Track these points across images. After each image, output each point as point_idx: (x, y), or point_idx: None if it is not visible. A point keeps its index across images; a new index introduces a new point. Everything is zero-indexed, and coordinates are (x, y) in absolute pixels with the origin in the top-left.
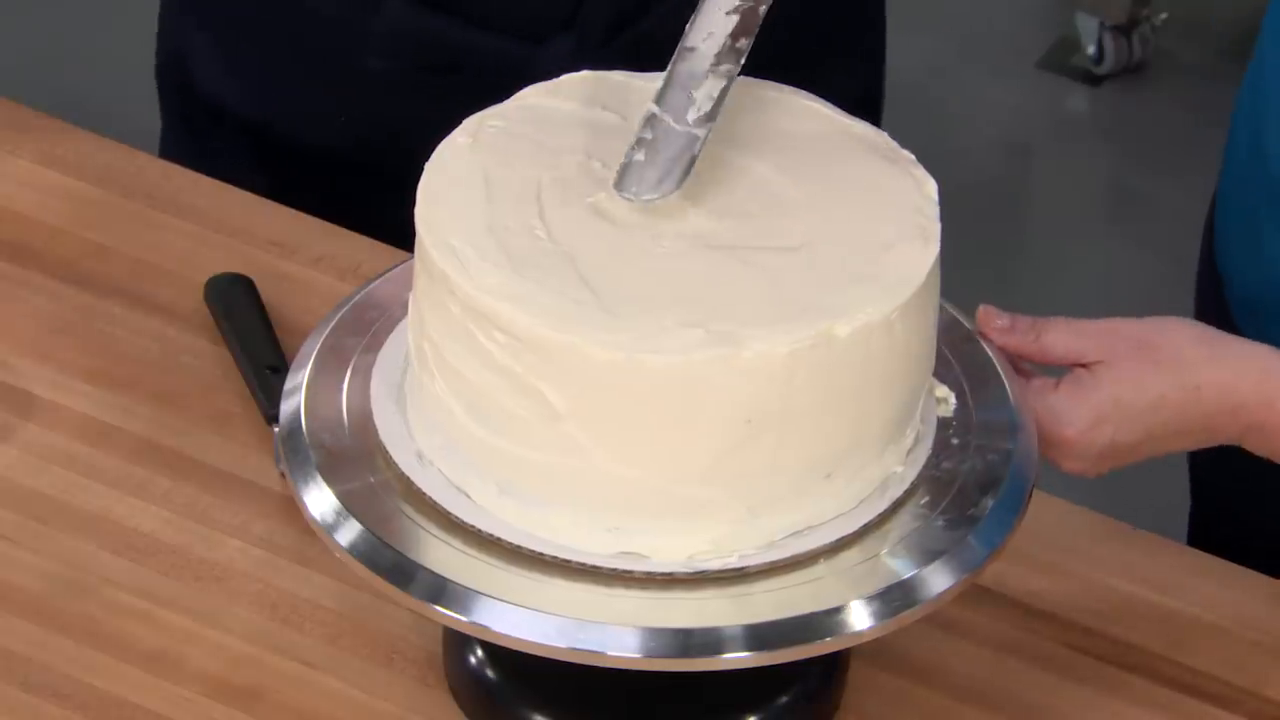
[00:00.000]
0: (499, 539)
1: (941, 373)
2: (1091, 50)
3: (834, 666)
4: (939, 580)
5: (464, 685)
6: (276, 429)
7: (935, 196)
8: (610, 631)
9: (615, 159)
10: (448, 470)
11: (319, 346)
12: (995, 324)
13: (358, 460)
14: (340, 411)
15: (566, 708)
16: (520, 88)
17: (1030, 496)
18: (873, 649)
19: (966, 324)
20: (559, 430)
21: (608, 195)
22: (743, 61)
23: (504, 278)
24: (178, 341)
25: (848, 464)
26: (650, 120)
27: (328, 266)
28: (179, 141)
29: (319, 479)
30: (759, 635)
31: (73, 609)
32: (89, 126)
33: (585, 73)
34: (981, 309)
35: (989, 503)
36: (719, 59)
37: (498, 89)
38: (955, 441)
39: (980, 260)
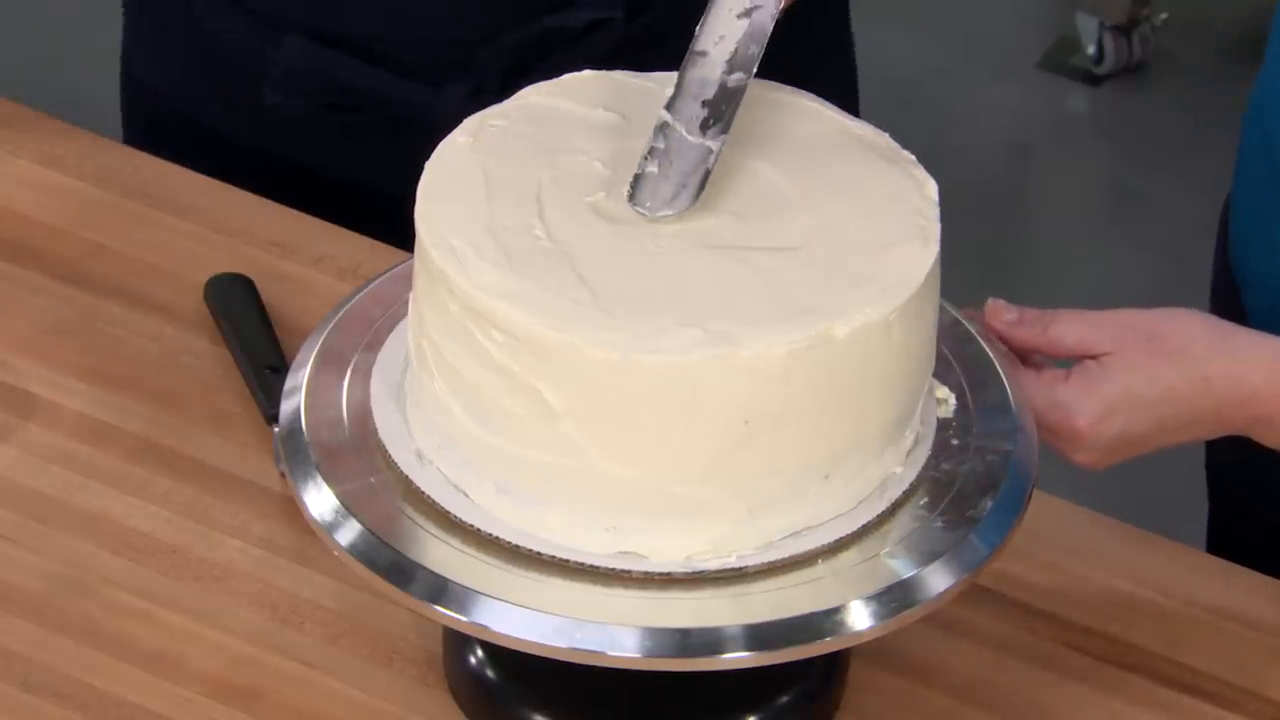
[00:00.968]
0: (497, 538)
1: (942, 374)
2: (1091, 50)
3: (834, 666)
4: (939, 580)
5: (464, 685)
6: (276, 429)
7: (935, 197)
8: (610, 631)
9: (615, 159)
10: (446, 469)
11: (319, 346)
12: (1004, 318)
13: (358, 460)
14: (340, 411)
15: (566, 708)
16: (419, 130)
17: (1030, 496)
18: (873, 649)
19: (967, 325)
20: (556, 429)
21: (607, 195)
22: (754, 70)
23: (502, 276)
24: (177, 341)
25: (846, 465)
26: (662, 129)
27: (328, 266)
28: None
29: (319, 479)
30: (759, 635)
31: (73, 609)
32: (89, 126)
33: (587, 72)
34: (990, 302)
35: (989, 503)
36: (731, 66)
37: (395, 129)
38: (955, 442)
39: (980, 260)
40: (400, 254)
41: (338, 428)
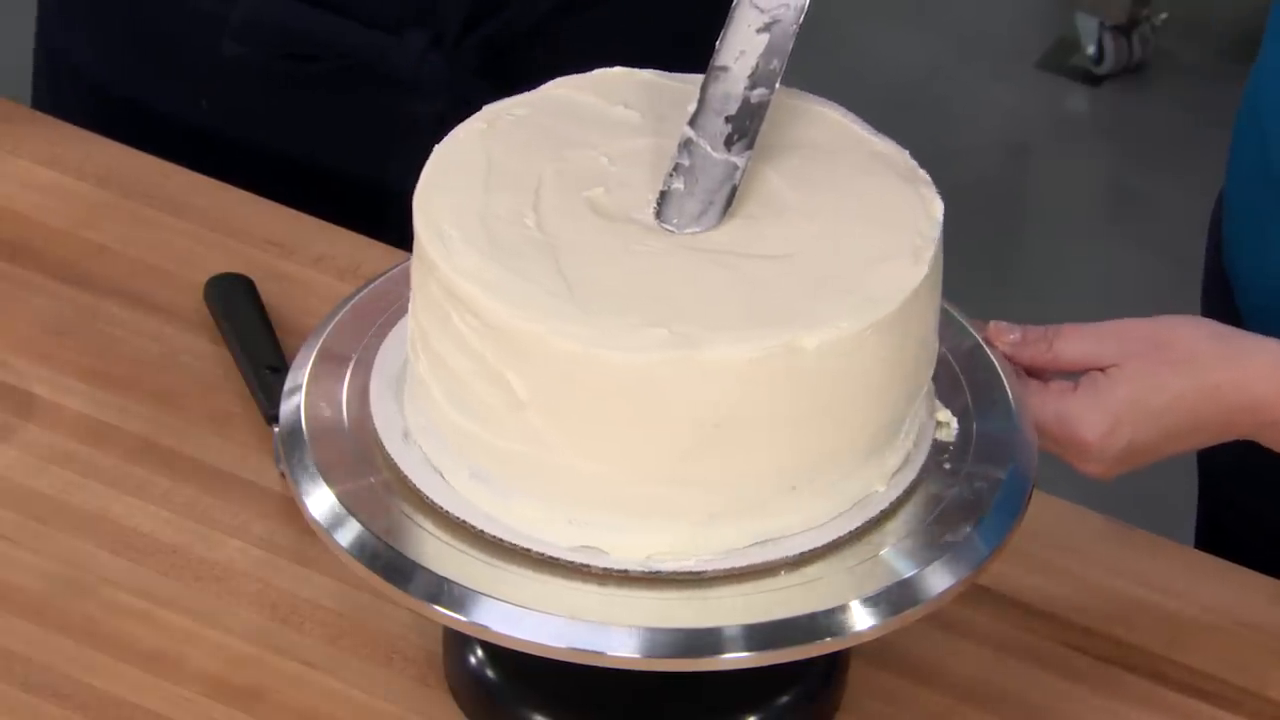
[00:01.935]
0: (465, 521)
1: (949, 396)
2: (1091, 50)
3: (834, 666)
4: (939, 580)
5: (464, 685)
6: (276, 429)
7: (939, 218)
8: (610, 632)
9: (624, 156)
10: (428, 450)
11: (319, 346)
12: (1006, 339)
13: (358, 460)
14: (340, 411)
15: (566, 708)
16: (379, 83)
17: (1030, 497)
18: (873, 649)
19: (976, 335)
20: (522, 418)
21: (605, 190)
22: (777, 85)
23: (481, 262)
24: (177, 341)
25: (815, 478)
26: (687, 145)
27: (328, 266)
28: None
29: (319, 479)
30: (759, 635)
31: (72, 609)
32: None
33: (618, 69)
34: (992, 325)
35: (988, 503)
36: (753, 81)
37: (354, 79)
38: (948, 466)
39: (980, 260)
40: (400, 254)
41: (338, 428)
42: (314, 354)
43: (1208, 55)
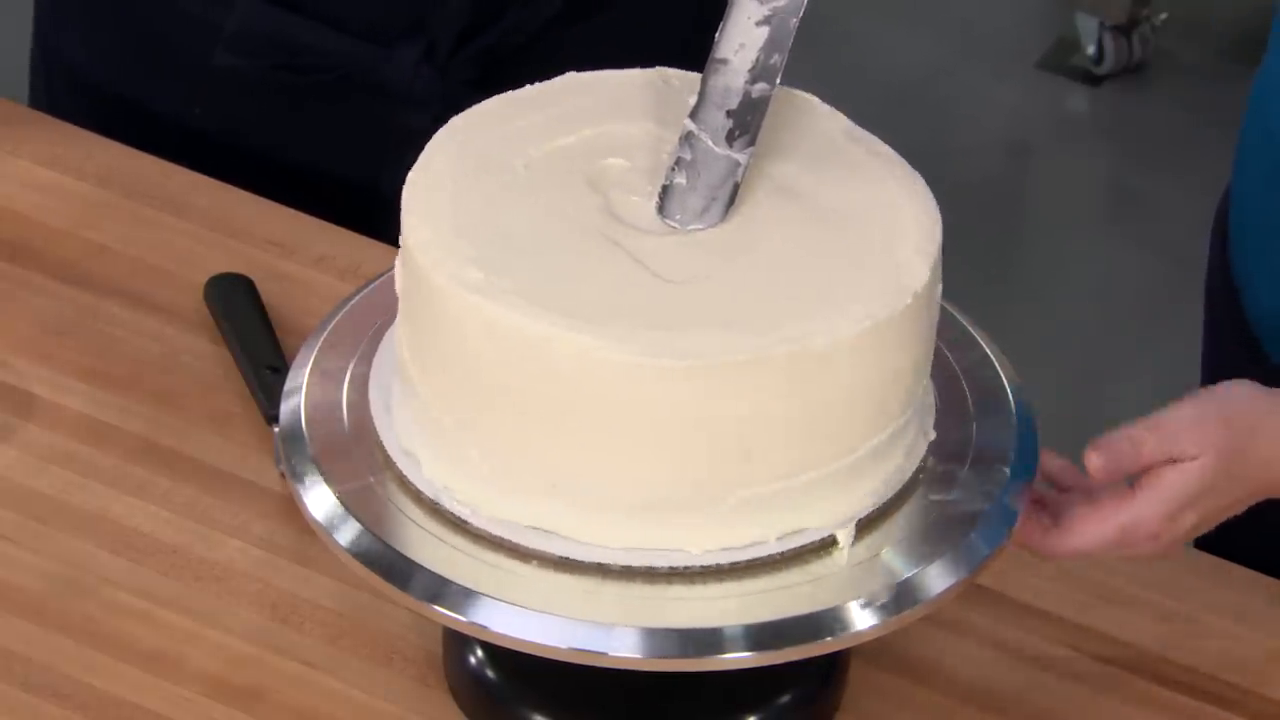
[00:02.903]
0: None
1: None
2: (1091, 50)
3: (834, 666)
4: (939, 580)
5: (464, 685)
6: (276, 429)
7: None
8: (610, 631)
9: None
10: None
11: (319, 346)
12: (1099, 465)
13: (358, 460)
14: (340, 411)
15: (566, 708)
16: (370, 93)
17: (1030, 497)
18: (873, 649)
19: (977, 335)
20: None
21: (604, 185)
22: (778, 80)
23: (474, 263)
24: (177, 341)
25: (814, 477)
26: (688, 139)
27: (328, 266)
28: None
29: (319, 479)
30: (759, 635)
31: (73, 609)
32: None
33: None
34: (1089, 456)
35: (988, 504)
36: (754, 76)
37: (347, 90)
38: (934, 497)
39: (980, 260)
40: None
41: (338, 428)
42: (314, 354)
43: (1208, 55)
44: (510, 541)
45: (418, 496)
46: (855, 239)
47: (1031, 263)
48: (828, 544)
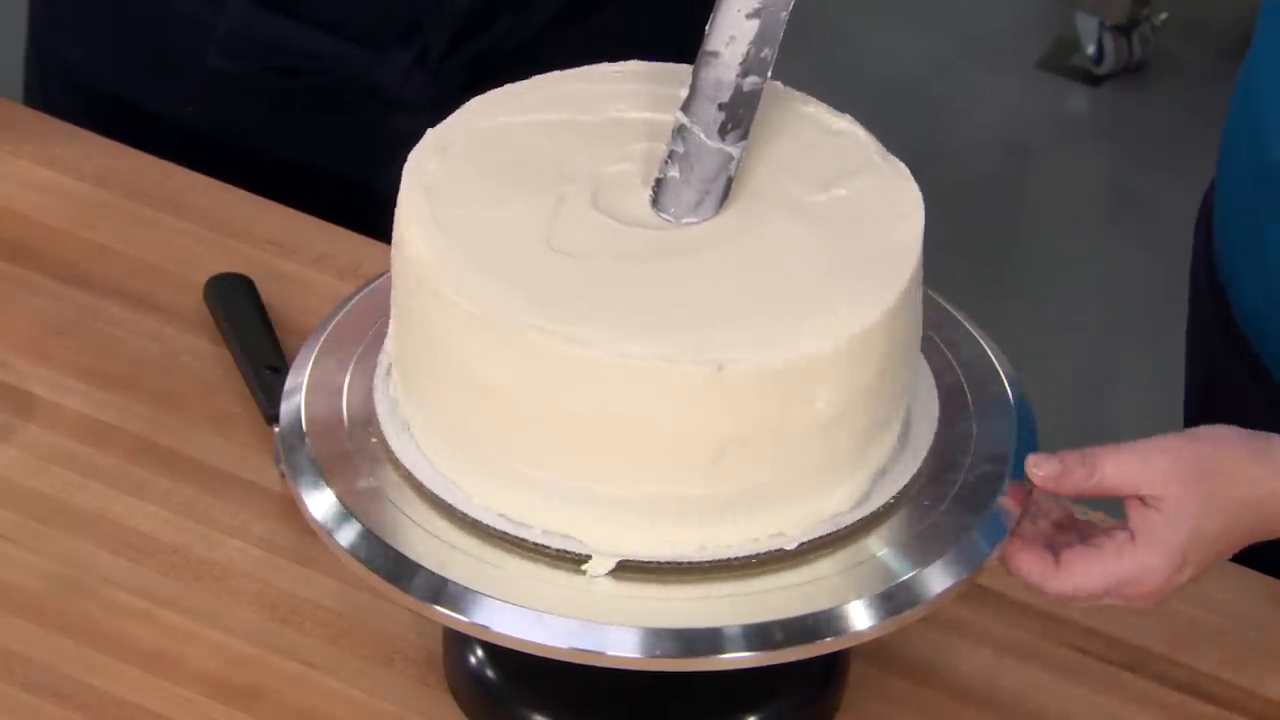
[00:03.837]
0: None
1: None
2: (1091, 50)
3: (834, 666)
4: (939, 580)
5: (464, 685)
6: (276, 429)
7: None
8: (610, 631)
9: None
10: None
11: (319, 346)
12: (1044, 472)
13: (358, 460)
14: (340, 411)
15: (566, 708)
16: (362, 96)
17: (1030, 497)
18: (873, 649)
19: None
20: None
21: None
22: (769, 74)
23: (437, 234)
24: (177, 341)
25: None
26: (680, 132)
27: (328, 266)
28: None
29: (319, 479)
30: (759, 635)
31: (73, 609)
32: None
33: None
34: (1028, 460)
35: (988, 503)
36: (745, 69)
37: (339, 93)
38: (926, 503)
39: (980, 260)
40: None
41: (338, 428)
42: (314, 354)
43: (1208, 55)
44: (510, 541)
45: (419, 495)
46: (839, 235)
47: (1031, 263)
48: (828, 544)
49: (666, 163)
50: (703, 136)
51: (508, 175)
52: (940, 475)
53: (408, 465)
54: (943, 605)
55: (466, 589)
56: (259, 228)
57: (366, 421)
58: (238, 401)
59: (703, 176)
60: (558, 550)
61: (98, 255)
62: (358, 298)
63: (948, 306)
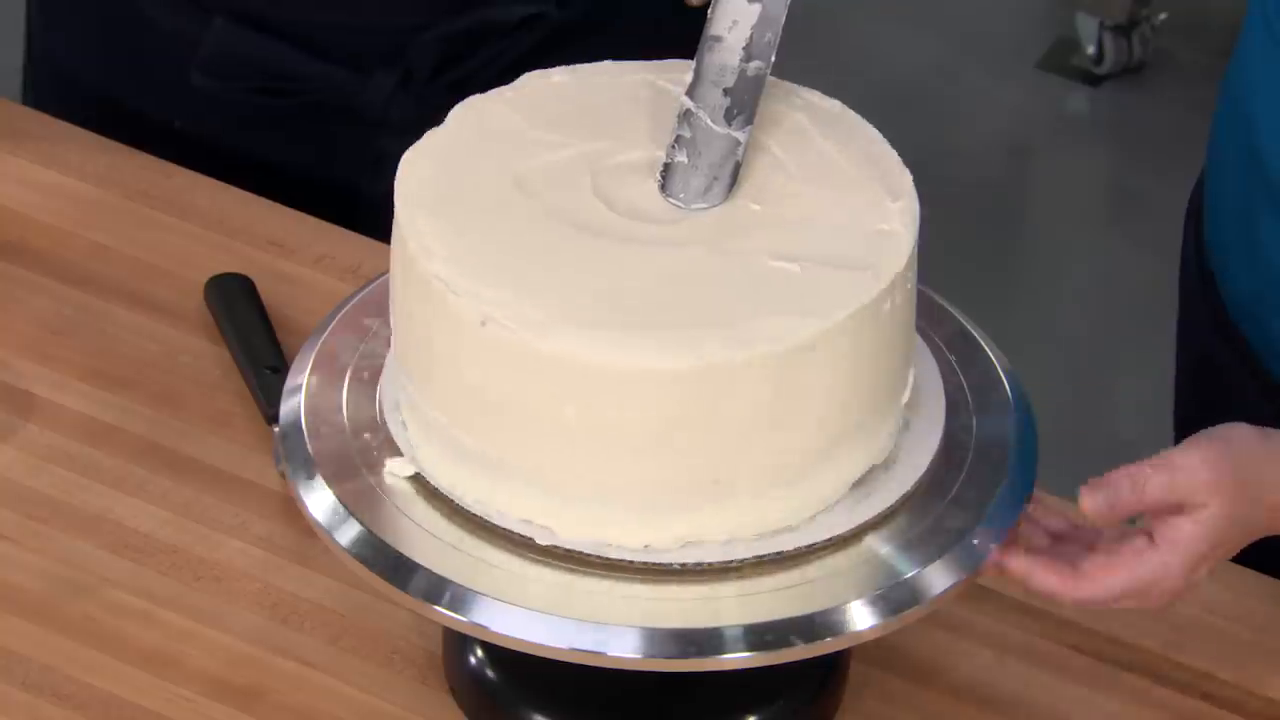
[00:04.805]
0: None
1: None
2: (1091, 50)
3: (834, 666)
4: (939, 580)
5: (464, 685)
6: (276, 429)
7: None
8: (610, 631)
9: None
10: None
11: (319, 346)
12: (1093, 507)
13: (358, 460)
14: (340, 411)
15: (566, 708)
16: (347, 119)
17: (1030, 497)
18: (873, 649)
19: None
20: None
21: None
22: (773, 58)
23: (437, 224)
24: (178, 341)
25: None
26: (686, 117)
27: (328, 266)
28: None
29: (319, 479)
30: (759, 635)
31: (73, 609)
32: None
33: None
34: (1081, 495)
35: (989, 502)
36: (748, 54)
37: (323, 113)
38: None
39: (980, 260)
40: None
41: (338, 428)
42: (314, 354)
43: (1207, 55)
44: (510, 540)
45: (419, 495)
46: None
47: (1031, 263)
48: (827, 545)
49: (673, 147)
50: (709, 122)
51: (509, 173)
52: (940, 475)
53: (408, 465)
54: (943, 605)
55: (466, 589)
56: (259, 228)
57: (366, 421)
58: (238, 401)
59: (710, 161)
60: (558, 550)
61: (98, 255)
62: (358, 298)
63: (948, 306)
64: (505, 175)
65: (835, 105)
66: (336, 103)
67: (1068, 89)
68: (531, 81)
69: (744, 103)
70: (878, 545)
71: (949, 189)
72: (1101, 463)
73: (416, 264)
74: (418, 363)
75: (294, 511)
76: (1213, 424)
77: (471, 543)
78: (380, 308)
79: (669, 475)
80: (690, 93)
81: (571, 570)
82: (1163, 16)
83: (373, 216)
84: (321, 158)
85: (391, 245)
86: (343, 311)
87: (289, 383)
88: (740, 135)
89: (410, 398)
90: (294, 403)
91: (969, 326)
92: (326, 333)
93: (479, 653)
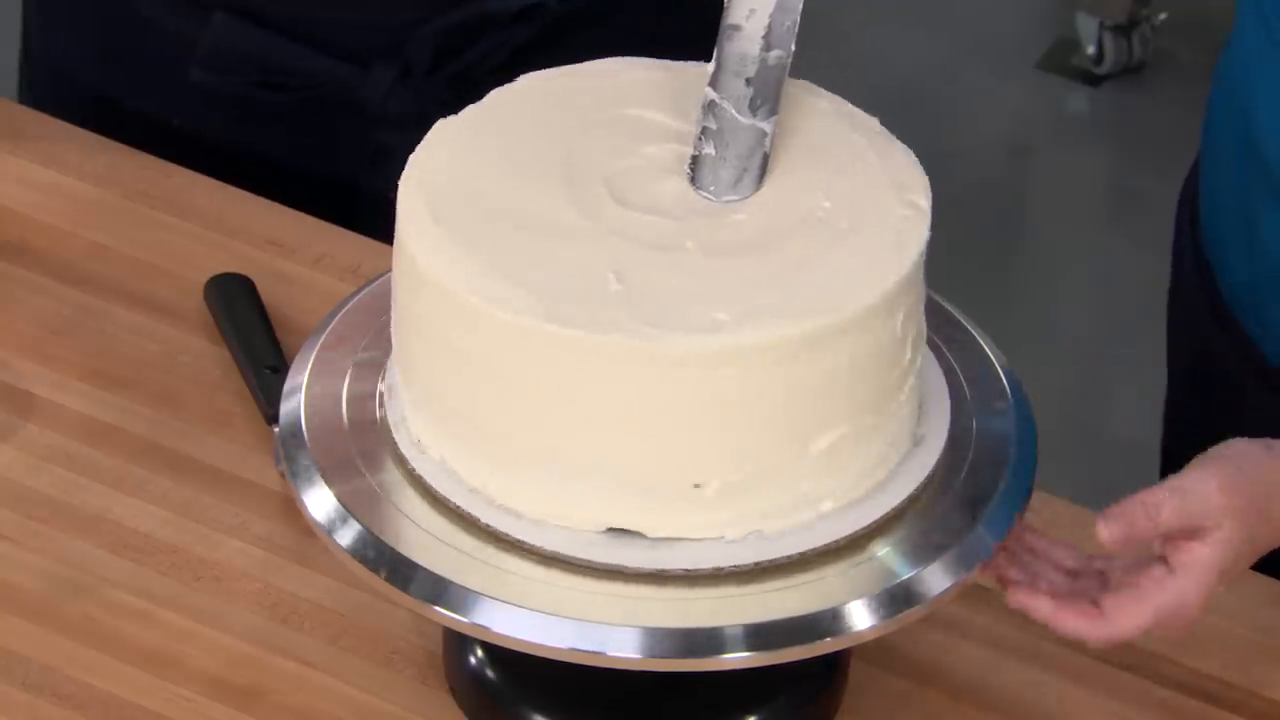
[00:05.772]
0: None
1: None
2: (1091, 50)
3: (834, 666)
4: (939, 580)
5: (464, 685)
6: (276, 429)
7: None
8: (610, 631)
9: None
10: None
11: (319, 346)
12: (1110, 537)
13: (358, 460)
14: (340, 411)
15: (566, 708)
16: (347, 112)
17: (1030, 497)
18: (873, 649)
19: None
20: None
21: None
22: (793, 46)
23: (439, 224)
24: (178, 341)
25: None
26: (711, 108)
27: (328, 266)
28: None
29: (319, 479)
30: (759, 635)
31: (73, 609)
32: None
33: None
34: (1099, 526)
35: (989, 503)
36: (768, 42)
37: (323, 108)
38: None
39: (980, 260)
40: None
41: (338, 428)
42: (314, 354)
43: (1208, 55)
44: (510, 541)
45: (419, 495)
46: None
47: (1031, 263)
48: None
49: (700, 139)
50: (734, 112)
51: (509, 170)
52: (940, 475)
53: (408, 464)
54: (943, 605)
55: (466, 589)
56: (259, 228)
57: (366, 421)
58: (238, 401)
59: (738, 153)
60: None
61: (98, 255)
62: (358, 298)
63: (948, 307)
64: (510, 172)
65: (874, 122)
66: (335, 97)
67: (1068, 89)
68: (534, 80)
69: (767, 93)
70: (877, 546)
71: (949, 189)
72: (1101, 463)
73: (417, 263)
74: (418, 362)
75: (294, 511)
76: (1206, 410)
77: (471, 543)
78: (381, 308)
79: (670, 474)
80: (713, 83)
81: (572, 570)
82: (1163, 16)
83: (372, 212)
84: (320, 153)
85: (394, 244)
86: (343, 311)
87: (289, 383)
88: (766, 126)
89: (410, 397)
90: (294, 403)
91: (969, 326)
92: (326, 333)
93: (479, 653)
